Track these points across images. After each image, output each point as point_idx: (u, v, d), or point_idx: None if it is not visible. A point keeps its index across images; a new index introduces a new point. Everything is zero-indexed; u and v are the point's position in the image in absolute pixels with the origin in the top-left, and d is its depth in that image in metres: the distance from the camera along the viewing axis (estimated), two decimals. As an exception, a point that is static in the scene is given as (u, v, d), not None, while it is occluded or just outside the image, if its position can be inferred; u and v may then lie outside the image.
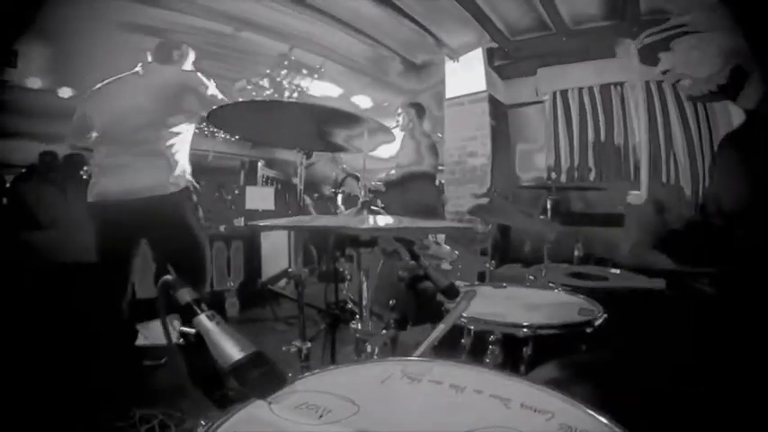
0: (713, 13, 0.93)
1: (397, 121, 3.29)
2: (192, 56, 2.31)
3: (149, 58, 2.22)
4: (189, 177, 2.09)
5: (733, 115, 3.32)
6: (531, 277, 1.79)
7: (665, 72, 0.99)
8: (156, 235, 2.03)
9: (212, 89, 2.07)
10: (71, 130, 2.12)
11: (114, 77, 2.11)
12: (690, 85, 0.96)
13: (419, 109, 3.33)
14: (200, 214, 2.19)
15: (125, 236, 2.05)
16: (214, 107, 1.28)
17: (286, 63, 4.40)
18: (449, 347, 1.09)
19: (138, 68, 2.15)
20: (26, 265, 2.38)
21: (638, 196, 3.46)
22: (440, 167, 4.19)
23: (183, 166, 2.07)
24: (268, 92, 4.44)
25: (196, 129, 2.18)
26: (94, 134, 2.04)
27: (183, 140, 2.07)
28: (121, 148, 1.96)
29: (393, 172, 3.23)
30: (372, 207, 0.90)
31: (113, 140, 1.98)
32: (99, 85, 2.10)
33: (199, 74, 2.11)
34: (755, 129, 0.91)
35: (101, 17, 3.69)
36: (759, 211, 0.82)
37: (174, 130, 2.02)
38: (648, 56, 1.06)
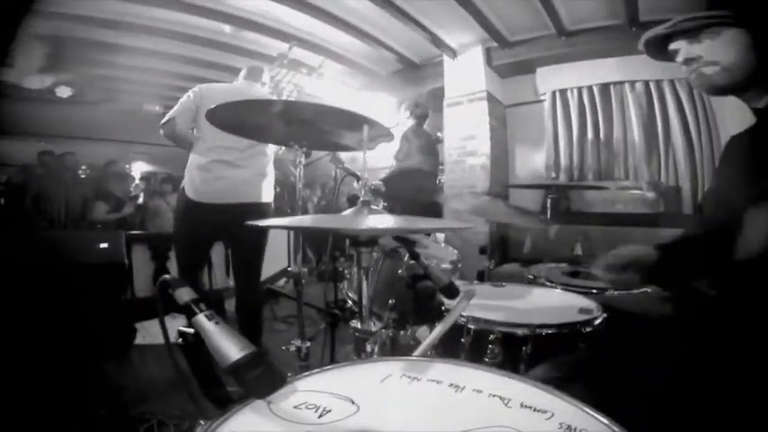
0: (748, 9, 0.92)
1: (397, 121, 3.29)
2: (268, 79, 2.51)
3: (242, 77, 2.39)
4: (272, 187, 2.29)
5: (733, 115, 3.33)
6: (530, 276, 1.79)
7: (689, 60, 0.97)
8: (242, 239, 2.20)
9: None
10: (177, 118, 2.11)
11: (223, 84, 2.34)
12: (715, 72, 0.93)
13: (418, 108, 3.33)
14: None
15: (212, 235, 2.27)
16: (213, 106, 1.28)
17: (285, 62, 4.39)
18: (449, 347, 1.09)
19: (242, 80, 2.36)
20: (27, 264, 2.37)
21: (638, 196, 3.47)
22: (440, 167, 4.19)
23: (272, 174, 2.28)
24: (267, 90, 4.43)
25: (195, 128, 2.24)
26: (198, 132, 2.15)
27: (271, 150, 2.27)
28: (233, 153, 2.08)
29: (393, 171, 3.23)
30: (372, 206, 0.89)
31: (230, 144, 2.05)
32: (210, 85, 2.21)
33: None
34: (765, 127, 0.91)
35: (100, 17, 3.68)
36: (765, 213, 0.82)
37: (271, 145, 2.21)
38: (657, 47, 1.04)
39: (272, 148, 2.28)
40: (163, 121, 2.14)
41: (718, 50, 0.93)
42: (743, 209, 0.86)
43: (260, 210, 2.18)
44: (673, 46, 1.00)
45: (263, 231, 2.28)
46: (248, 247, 2.25)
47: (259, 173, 2.19)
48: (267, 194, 2.24)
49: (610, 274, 1.01)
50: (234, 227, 2.11)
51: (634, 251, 1.02)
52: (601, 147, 3.98)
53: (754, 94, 0.92)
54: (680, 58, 0.98)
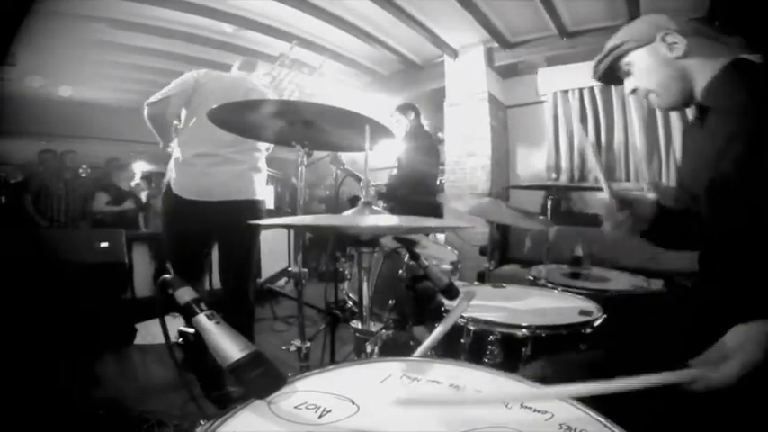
0: (632, 29, 0.99)
1: (398, 121, 3.29)
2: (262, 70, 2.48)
3: (236, 68, 2.30)
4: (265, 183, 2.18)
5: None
6: (530, 277, 1.79)
7: (632, 91, 1.01)
8: (236, 236, 2.05)
9: None
10: (172, 98, 1.96)
11: (219, 72, 2.12)
12: (656, 99, 0.98)
13: (410, 108, 3.33)
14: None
15: (207, 233, 2.08)
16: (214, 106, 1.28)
17: (286, 62, 4.39)
18: (449, 347, 1.09)
19: (236, 71, 2.26)
20: (27, 263, 2.37)
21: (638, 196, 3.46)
22: (440, 167, 4.19)
23: (265, 170, 2.16)
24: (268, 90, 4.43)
25: None
26: (187, 123, 2.00)
27: (266, 149, 2.16)
28: (226, 148, 1.94)
29: (394, 172, 3.23)
30: (373, 207, 0.89)
31: (219, 139, 1.86)
32: (207, 72, 2.05)
33: None
34: (706, 117, 0.94)
35: (101, 16, 3.68)
36: (721, 194, 0.86)
37: None
38: (610, 79, 1.09)
39: (265, 143, 2.15)
40: (152, 99, 1.95)
41: (643, 79, 0.97)
42: (703, 194, 0.91)
43: (253, 207, 2.05)
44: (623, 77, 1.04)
45: (256, 232, 2.18)
46: (238, 247, 2.09)
47: (251, 168, 2.05)
48: (261, 191, 2.10)
49: (609, 210, 1.02)
50: (225, 226, 2.00)
51: (638, 196, 1.04)
52: (601, 148, 3.98)
53: (697, 93, 0.94)
54: (626, 92, 1.03)
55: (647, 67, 0.96)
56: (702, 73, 0.91)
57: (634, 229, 1.01)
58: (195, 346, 0.57)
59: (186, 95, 1.97)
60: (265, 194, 2.16)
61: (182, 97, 1.97)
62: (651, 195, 3.47)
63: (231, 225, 1.92)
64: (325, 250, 5.33)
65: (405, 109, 3.32)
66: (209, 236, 2.10)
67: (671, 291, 2.02)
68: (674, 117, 3.61)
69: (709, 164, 0.89)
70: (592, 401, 0.54)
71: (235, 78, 2.17)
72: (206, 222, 1.97)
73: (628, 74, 1.01)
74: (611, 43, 1.01)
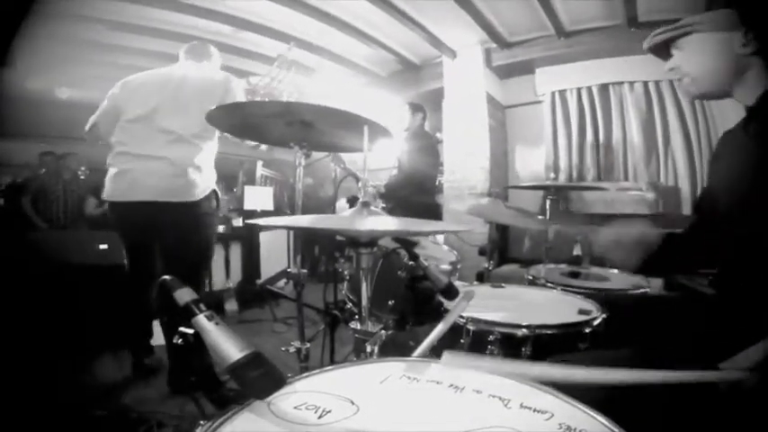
0: (719, 14, 0.94)
1: (397, 122, 3.29)
2: (219, 58, 2.28)
3: (183, 57, 2.17)
4: (213, 184, 2.00)
5: (732, 115, 3.34)
6: (529, 277, 1.79)
7: (671, 69, 1.00)
8: (172, 241, 1.92)
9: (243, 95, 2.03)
10: (99, 123, 1.97)
11: (151, 71, 2.02)
12: (690, 83, 0.97)
13: (418, 109, 3.33)
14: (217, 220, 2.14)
15: (145, 238, 1.98)
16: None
17: (285, 63, 4.39)
18: (448, 347, 1.09)
19: (177, 65, 2.12)
20: (27, 265, 2.37)
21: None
22: (439, 167, 4.19)
23: (211, 169, 1.99)
24: (267, 91, 4.43)
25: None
26: (118, 128, 1.94)
27: (215, 144, 2.00)
28: (151, 147, 1.84)
29: (394, 172, 3.24)
30: (372, 207, 0.89)
31: (145, 138, 1.85)
32: (133, 77, 1.99)
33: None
34: (755, 125, 0.92)
35: (100, 17, 3.68)
36: (760, 208, 0.83)
37: (211, 132, 1.92)
38: (660, 52, 1.06)
39: (214, 137, 1.98)
40: (86, 128, 1.98)
41: (690, 61, 0.96)
42: (738, 204, 0.86)
43: (182, 211, 1.85)
44: (672, 52, 1.02)
45: (201, 236, 1.95)
46: (174, 257, 1.91)
47: (182, 165, 1.85)
48: (198, 191, 1.89)
49: (614, 250, 1.01)
50: (159, 230, 1.88)
51: (641, 233, 1.02)
52: (600, 147, 3.98)
53: (743, 92, 0.93)
54: (667, 67, 1.01)
55: (704, 51, 0.94)
56: (759, 77, 0.89)
57: (638, 264, 1.01)
58: (195, 346, 0.57)
59: (111, 115, 1.94)
60: (206, 194, 1.95)
61: (107, 119, 1.95)
62: (650, 195, 3.48)
63: (165, 229, 1.87)
64: (324, 251, 5.34)
65: (416, 108, 3.32)
66: (145, 239, 1.98)
67: (671, 290, 2.02)
68: (673, 117, 3.63)
69: (750, 174, 0.87)
70: (592, 402, 0.54)
71: (162, 74, 1.99)
72: (136, 225, 1.91)
73: (678, 50, 0.99)
74: (688, 19, 0.98)
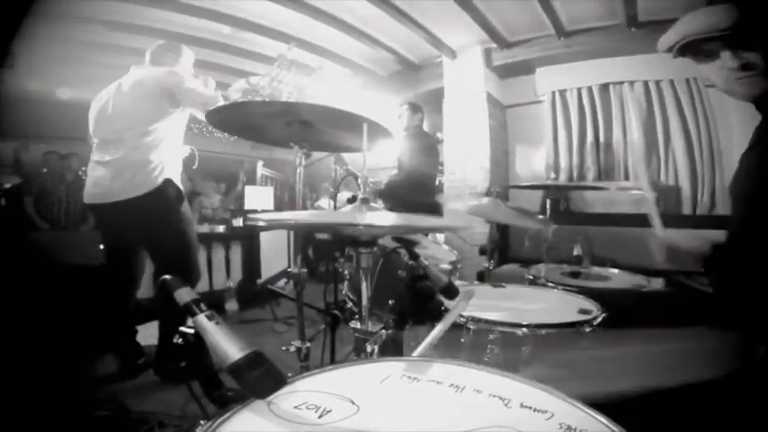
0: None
1: (400, 116, 3.29)
2: (189, 56, 2.32)
3: (147, 60, 2.25)
4: (170, 176, 2.05)
5: (731, 114, 3.33)
6: (529, 277, 1.79)
7: (745, 66, 0.90)
8: (143, 236, 2.09)
9: (193, 83, 2.08)
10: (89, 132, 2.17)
11: (104, 89, 2.17)
12: (757, 79, 0.89)
13: (418, 109, 3.33)
14: (186, 209, 2.16)
15: (118, 238, 2.14)
16: (210, 105, 1.28)
17: (285, 63, 4.39)
18: (448, 347, 1.09)
19: (147, 66, 2.22)
20: (28, 265, 2.38)
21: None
22: (439, 167, 4.19)
23: (164, 164, 2.04)
24: (267, 91, 4.43)
25: (194, 128, 2.21)
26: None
27: (162, 138, 2.05)
28: (103, 152, 2.03)
29: (394, 172, 3.23)
30: (371, 204, 0.89)
31: (99, 144, 2.07)
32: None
33: (183, 72, 2.14)
34: None
35: (100, 17, 3.68)
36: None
37: (153, 128, 2.02)
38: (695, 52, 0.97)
39: (160, 132, 2.03)
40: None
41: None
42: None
43: (133, 208, 1.95)
44: (709, 47, 0.93)
45: (163, 232, 2.03)
46: (152, 254, 2.13)
47: (121, 167, 1.96)
48: (142, 187, 1.96)
49: (659, 245, 0.99)
50: (122, 231, 2.07)
51: (691, 242, 1.00)
52: (600, 147, 3.98)
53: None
54: (731, 64, 0.91)
55: None
56: None
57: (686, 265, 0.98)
58: (195, 346, 0.57)
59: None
60: (166, 187, 2.02)
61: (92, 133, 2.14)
62: (650, 194, 3.48)
63: (127, 229, 2.05)
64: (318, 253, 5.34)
65: (414, 108, 3.32)
66: (119, 241, 2.15)
67: (672, 290, 2.02)
68: (674, 117, 3.62)
69: None
70: (591, 401, 0.54)
71: (109, 90, 2.12)
72: (106, 227, 2.15)
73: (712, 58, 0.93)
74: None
